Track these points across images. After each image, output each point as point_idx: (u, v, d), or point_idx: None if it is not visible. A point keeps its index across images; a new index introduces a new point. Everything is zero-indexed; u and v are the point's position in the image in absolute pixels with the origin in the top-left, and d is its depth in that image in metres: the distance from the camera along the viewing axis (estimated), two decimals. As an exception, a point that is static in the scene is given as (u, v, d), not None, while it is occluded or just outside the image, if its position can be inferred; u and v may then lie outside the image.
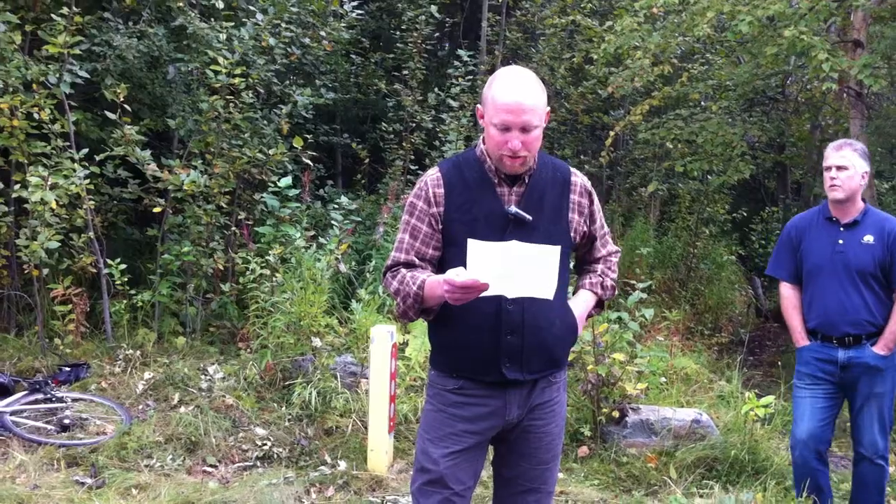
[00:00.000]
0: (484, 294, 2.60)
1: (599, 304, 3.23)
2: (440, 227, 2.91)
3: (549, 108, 2.90)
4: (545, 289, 2.68)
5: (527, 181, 2.92)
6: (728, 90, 10.86)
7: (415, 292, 2.81)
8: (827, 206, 4.64)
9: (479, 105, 2.95)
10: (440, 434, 2.98)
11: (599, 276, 3.18)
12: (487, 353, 2.88)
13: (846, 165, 4.47)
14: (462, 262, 2.62)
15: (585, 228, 3.07)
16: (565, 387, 3.16)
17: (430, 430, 3.02)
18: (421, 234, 2.92)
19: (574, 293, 3.19)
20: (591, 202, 3.08)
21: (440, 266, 2.91)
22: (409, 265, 2.90)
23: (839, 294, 4.48)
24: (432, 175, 2.96)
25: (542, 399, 3.02)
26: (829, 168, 4.52)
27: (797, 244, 4.67)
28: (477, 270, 2.57)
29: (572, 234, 3.01)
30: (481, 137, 2.99)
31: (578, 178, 3.05)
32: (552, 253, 2.66)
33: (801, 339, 4.67)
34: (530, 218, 2.87)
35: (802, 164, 13.37)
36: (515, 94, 2.77)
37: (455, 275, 2.56)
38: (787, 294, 4.75)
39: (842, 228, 4.54)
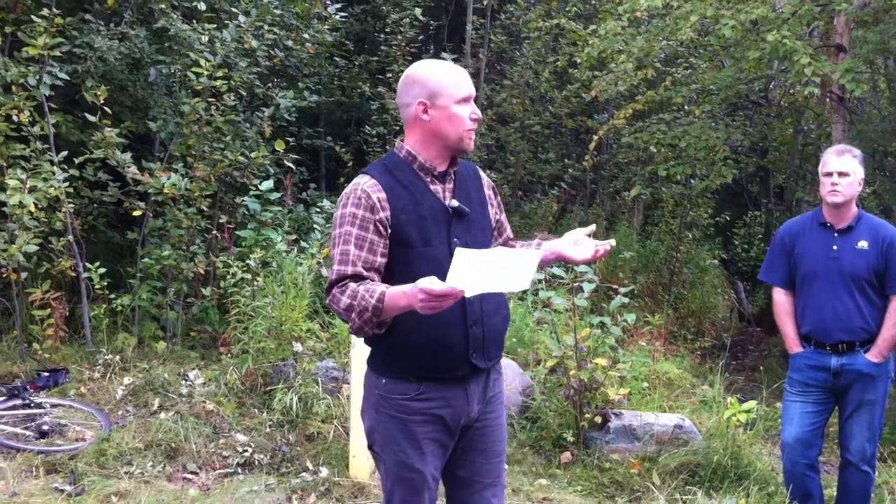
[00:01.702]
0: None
1: None
2: (388, 231, 2.85)
3: None
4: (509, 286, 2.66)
5: (453, 177, 3.00)
6: (711, 94, 10.90)
7: (374, 306, 2.69)
8: (820, 212, 4.61)
9: (421, 100, 2.86)
10: (413, 440, 2.92)
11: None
12: (459, 347, 2.88)
13: (847, 171, 4.44)
14: (411, 264, 2.70)
15: (498, 218, 3.21)
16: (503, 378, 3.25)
17: (398, 440, 2.93)
18: (367, 242, 2.82)
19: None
20: (496, 195, 3.22)
21: (387, 272, 2.85)
22: (357, 277, 2.79)
23: (833, 300, 4.46)
24: (367, 182, 2.87)
25: (493, 391, 3.08)
26: (829, 174, 4.47)
27: (790, 249, 4.65)
28: (458, 277, 2.53)
29: (492, 225, 3.15)
30: (399, 139, 3.01)
31: (483, 174, 3.20)
32: (535, 258, 2.63)
33: (794, 345, 4.65)
34: (469, 210, 2.96)
35: (785, 169, 13.43)
36: (457, 68, 2.94)
37: (430, 283, 2.50)
38: (781, 300, 4.72)
39: (836, 234, 4.52)
